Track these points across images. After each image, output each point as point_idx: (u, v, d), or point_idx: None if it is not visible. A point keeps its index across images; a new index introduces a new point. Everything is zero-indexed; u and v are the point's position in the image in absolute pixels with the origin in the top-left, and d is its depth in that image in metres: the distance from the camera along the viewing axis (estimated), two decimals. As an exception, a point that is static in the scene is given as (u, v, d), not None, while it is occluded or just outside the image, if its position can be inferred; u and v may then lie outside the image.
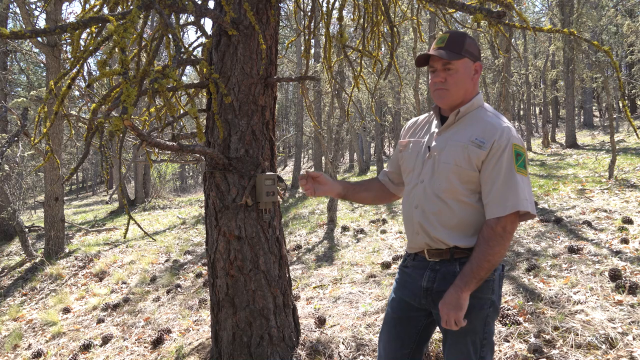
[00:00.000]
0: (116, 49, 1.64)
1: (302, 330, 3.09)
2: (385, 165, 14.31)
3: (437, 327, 1.75)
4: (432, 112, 1.80)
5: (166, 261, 6.79)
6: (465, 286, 1.51)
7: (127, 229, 2.78)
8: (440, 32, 1.70)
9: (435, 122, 1.74)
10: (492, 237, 1.51)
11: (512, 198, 1.50)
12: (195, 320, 4.08)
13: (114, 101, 2.26)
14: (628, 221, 5.03)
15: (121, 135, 2.38)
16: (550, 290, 3.46)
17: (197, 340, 3.42)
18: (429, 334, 1.80)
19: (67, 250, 7.85)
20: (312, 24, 3.30)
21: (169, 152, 5.42)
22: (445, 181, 1.58)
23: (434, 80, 1.63)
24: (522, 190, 1.51)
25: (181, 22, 3.36)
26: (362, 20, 3.41)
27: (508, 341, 2.81)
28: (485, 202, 1.55)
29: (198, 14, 2.33)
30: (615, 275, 3.49)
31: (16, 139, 7.30)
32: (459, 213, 1.58)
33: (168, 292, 5.18)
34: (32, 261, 7.28)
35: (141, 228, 2.77)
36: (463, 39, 1.60)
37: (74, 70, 2.39)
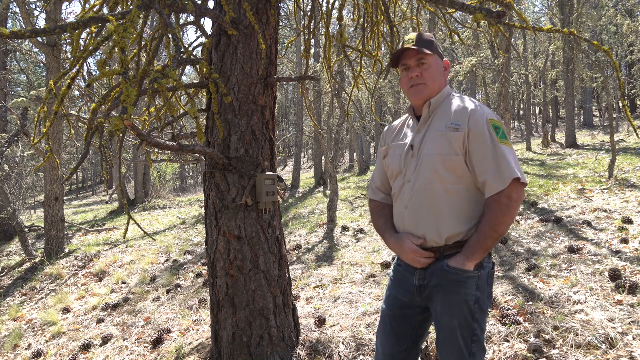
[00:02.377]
0: (116, 49, 1.64)
1: (302, 330, 3.09)
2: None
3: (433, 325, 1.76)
4: (407, 114, 1.83)
5: (166, 261, 6.79)
6: (472, 256, 1.56)
7: (127, 229, 2.78)
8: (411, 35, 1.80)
9: (412, 123, 1.78)
10: (498, 209, 1.53)
11: (506, 169, 1.53)
12: (195, 320, 4.08)
13: (114, 101, 2.27)
14: (628, 221, 5.03)
15: (121, 135, 2.38)
16: (550, 290, 3.46)
17: (197, 340, 3.42)
18: (425, 330, 1.82)
19: (67, 250, 7.85)
20: (312, 24, 3.30)
21: (169, 152, 5.42)
22: (431, 171, 1.61)
23: (409, 76, 1.68)
24: (512, 159, 1.55)
25: (181, 22, 3.37)
26: (362, 20, 3.41)
27: (508, 341, 2.81)
28: (482, 181, 1.57)
29: (198, 14, 2.34)
30: (615, 275, 3.48)
31: (16, 139, 7.30)
32: (449, 201, 1.60)
33: (168, 292, 5.18)
34: (32, 261, 7.28)
35: (141, 228, 2.77)
36: (431, 39, 1.68)
37: (74, 70, 2.39)
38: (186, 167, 28.54)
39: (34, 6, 9.03)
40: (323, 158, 13.60)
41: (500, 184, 1.52)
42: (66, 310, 5.12)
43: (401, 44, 1.71)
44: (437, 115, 1.67)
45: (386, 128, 1.91)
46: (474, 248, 1.56)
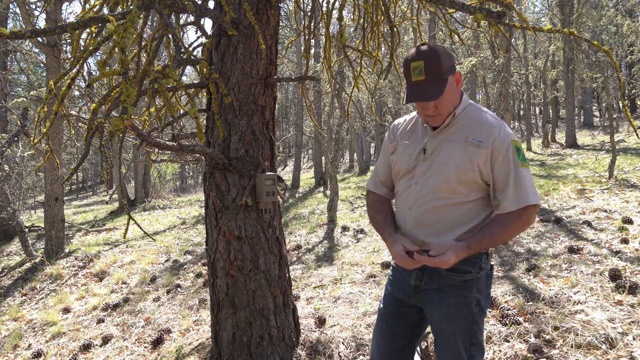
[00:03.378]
0: (116, 49, 1.64)
1: (302, 330, 3.09)
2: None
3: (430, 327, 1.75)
4: (417, 115, 1.76)
5: (166, 261, 6.79)
6: (468, 249, 1.53)
7: (127, 229, 2.78)
8: (418, 44, 1.55)
9: (424, 124, 1.71)
10: (511, 220, 1.55)
11: (523, 194, 1.54)
12: (195, 320, 4.08)
13: (114, 101, 2.26)
14: (628, 221, 5.03)
15: (121, 135, 2.38)
16: (550, 290, 3.46)
17: (197, 340, 3.42)
18: (421, 330, 1.82)
19: (67, 250, 7.85)
20: (312, 24, 3.30)
21: (169, 152, 5.42)
22: (442, 181, 1.59)
23: (424, 111, 1.59)
24: (529, 184, 1.56)
25: (181, 22, 3.37)
26: (362, 20, 3.41)
27: (508, 341, 2.81)
28: (497, 199, 1.58)
29: (198, 14, 2.34)
30: (615, 275, 3.49)
31: (16, 139, 7.30)
32: (455, 211, 1.60)
33: (168, 292, 5.18)
34: (32, 261, 7.28)
35: (141, 228, 2.77)
36: (438, 60, 1.50)
37: (74, 70, 2.39)
38: (186, 167, 28.54)
39: (34, 6, 9.03)
40: (323, 158, 13.60)
41: (514, 206, 1.54)
42: (66, 310, 5.12)
43: (407, 67, 1.54)
44: (457, 124, 1.62)
45: (394, 122, 1.85)
46: (474, 245, 1.54)
